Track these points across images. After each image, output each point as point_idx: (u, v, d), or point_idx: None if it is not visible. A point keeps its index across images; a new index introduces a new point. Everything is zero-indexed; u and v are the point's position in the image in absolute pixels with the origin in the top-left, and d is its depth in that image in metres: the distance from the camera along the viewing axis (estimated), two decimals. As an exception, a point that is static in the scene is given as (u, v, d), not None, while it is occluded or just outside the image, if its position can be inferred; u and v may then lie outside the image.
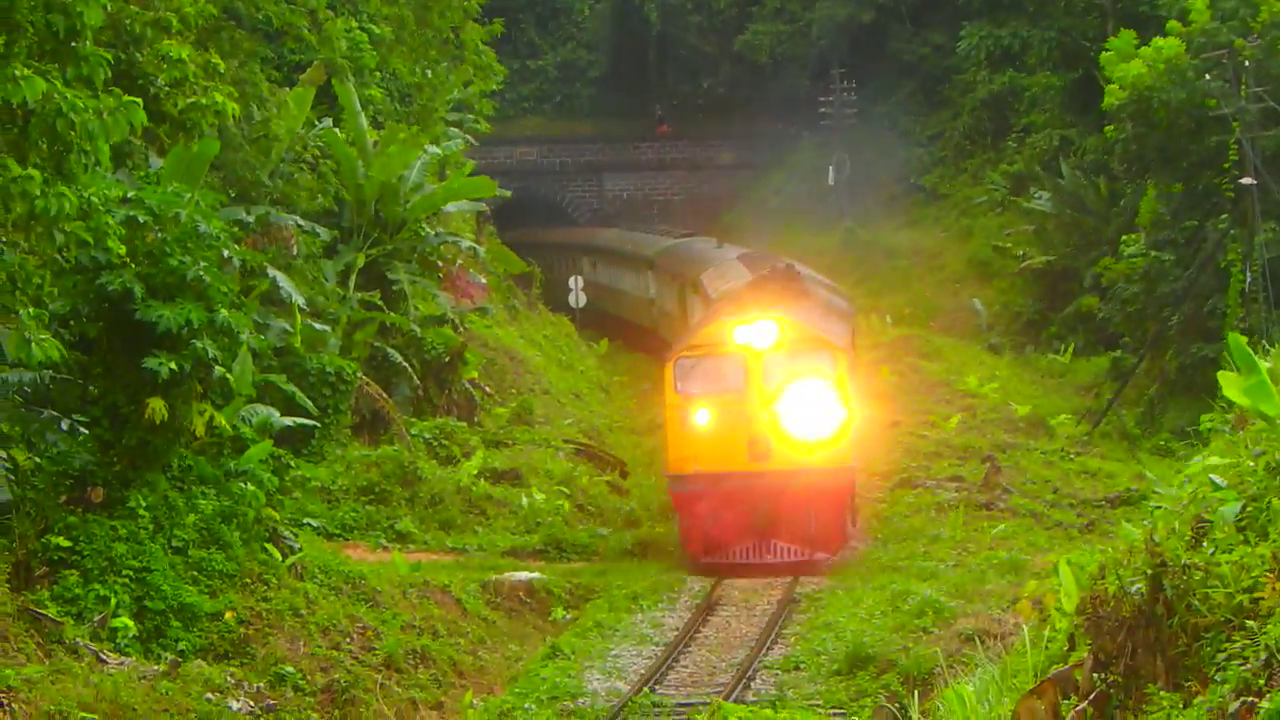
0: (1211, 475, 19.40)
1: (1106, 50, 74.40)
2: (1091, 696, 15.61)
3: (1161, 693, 13.43)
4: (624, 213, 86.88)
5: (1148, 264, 71.81)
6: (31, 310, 33.33)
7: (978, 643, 33.70)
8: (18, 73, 28.06)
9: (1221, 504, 18.49)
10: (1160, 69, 70.43)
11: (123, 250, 32.70)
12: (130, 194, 35.15)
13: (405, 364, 56.76)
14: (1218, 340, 51.64)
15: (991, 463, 59.03)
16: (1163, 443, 57.11)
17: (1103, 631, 15.91)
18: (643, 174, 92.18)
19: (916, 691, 31.25)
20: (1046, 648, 21.92)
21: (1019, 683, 20.87)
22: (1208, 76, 69.25)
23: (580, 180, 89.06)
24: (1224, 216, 68.98)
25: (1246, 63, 67.56)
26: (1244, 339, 15.22)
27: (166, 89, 36.03)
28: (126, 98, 30.86)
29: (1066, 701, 15.98)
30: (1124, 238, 73.61)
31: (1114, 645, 15.59)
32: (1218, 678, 13.54)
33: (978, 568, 45.62)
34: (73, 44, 29.41)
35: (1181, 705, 12.73)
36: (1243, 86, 67.02)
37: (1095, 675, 15.82)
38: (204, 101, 37.40)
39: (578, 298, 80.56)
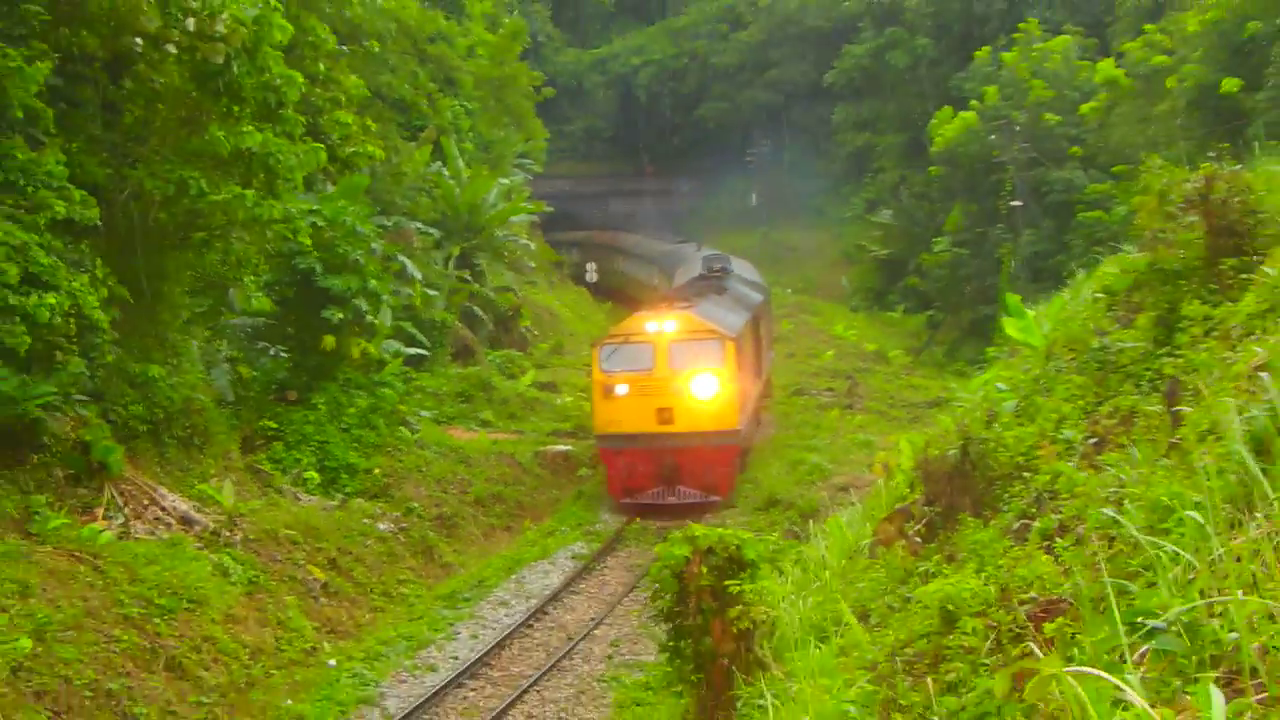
0: (997, 384, 19.68)
1: (933, 120, 74.71)
2: (923, 521, 15.85)
3: (969, 519, 13.69)
4: (620, 223, 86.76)
5: (952, 256, 72.44)
6: (251, 279, 33.90)
7: (849, 491, 36.55)
8: (245, 129, 28.80)
9: (1004, 400, 18.83)
10: (963, 131, 70.86)
11: (309, 242, 33.52)
12: (314, 207, 35.86)
13: (484, 316, 57.17)
14: (994, 304, 52.33)
15: (852, 380, 60.08)
16: (961, 368, 57.10)
17: (930, 480, 16.13)
18: (632, 198, 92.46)
19: (810, 521, 32.78)
20: (893, 492, 22.17)
21: (875, 514, 21.03)
22: (992, 136, 69.54)
23: (594, 202, 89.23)
24: (1000, 225, 69.31)
25: (1017, 127, 67.82)
26: (1018, 298, 15.45)
27: (338, 141, 36.26)
28: (313, 145, 31.42)
29: (907, 525, 16.18)
30: (935, 239, 73.86)
31: (938, 489, 15.81)
32: (1005, 509, 13.86)
33: (845, 445, 46.34)
34: (280, 110, 29.79)
35: (983, 525, 13.00)
36: (1015, 143, 67.32)
37: (926, 508, 16.03)
38: (361, 150, 37.66)
39: (591, 276, 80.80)
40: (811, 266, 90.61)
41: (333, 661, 26.82)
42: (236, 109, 29.04)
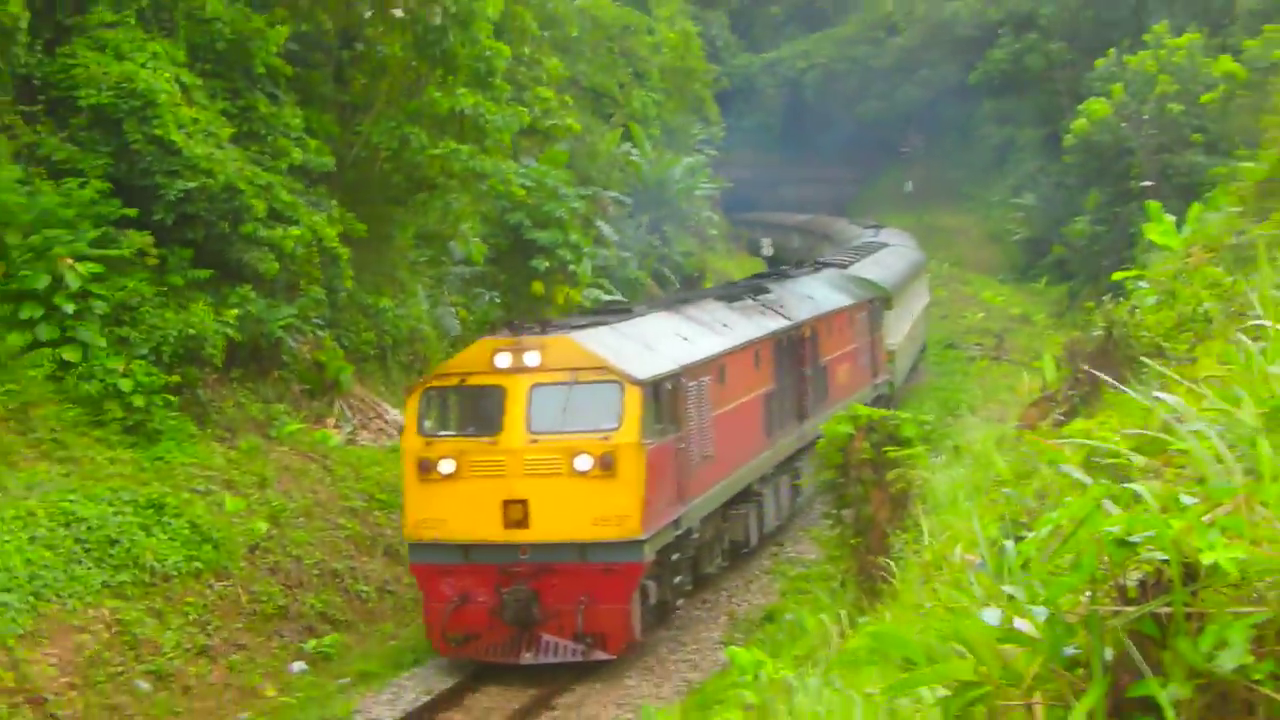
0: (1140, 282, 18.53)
1: (1076, 120, 72.92)
2: (1067, 405, 15.03)
3: (1109, 394, 12.79)
4: (791, 206, 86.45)
5: (1090, 232, 70.41)
6: (469, 229, 33.87)
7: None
8: (460, 91, 28.62)
9: (1147, 296, 17.79)
10: (1097, 122, 69.00)
11: (521, 192, 33.48)
12: (522, 170, 35.44)
13: (671, 276, 56.38)
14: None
15: (999, 336, 58.27)
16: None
17: (1075, 360, 15.26)
18: (800, 185, 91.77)
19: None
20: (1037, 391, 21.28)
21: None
22: (1123, 125, 67.65)
23: (767, 188, 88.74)
24: (1132, 204, 67.47)
25: (1145, 116, 65.95)
26: (1158, 205, 14.47)
27: (540, 114, 36.40)
28: (518, 108, 31.49)
29: (1051, 408, 15.35)
30: (1076, 219, 71.93)
31: (1079, 372, 15.01)
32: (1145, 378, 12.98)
33: (992, 388, 44.86)
34: (489, 78, 29.84)
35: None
36: (1143, 130, 65.58)
37: (1070, 392, 15.23)
38: (560, 124, 37.70)
39: (767, 251, 79.45)
40: (961, 245, 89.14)
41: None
42: (451, 77, 29.46)
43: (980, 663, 3.35)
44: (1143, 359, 13.34)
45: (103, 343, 21.35)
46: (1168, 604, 3.13)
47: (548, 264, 35.90)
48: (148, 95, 23.02)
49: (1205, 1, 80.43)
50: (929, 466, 15.04)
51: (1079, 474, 3.45)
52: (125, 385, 21.10)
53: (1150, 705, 3.06)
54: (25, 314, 21.01)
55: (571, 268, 37.06)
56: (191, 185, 23.05)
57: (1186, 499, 3.23)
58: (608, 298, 42.16)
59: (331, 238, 25.78)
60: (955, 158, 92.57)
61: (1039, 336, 61.75)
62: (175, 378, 22.04)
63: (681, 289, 57.11)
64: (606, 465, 18.35)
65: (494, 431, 19.01)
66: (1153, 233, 14.29)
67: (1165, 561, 3.15)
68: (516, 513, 18.64)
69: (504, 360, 19.17)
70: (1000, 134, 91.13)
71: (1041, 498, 9.44)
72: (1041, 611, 3.32)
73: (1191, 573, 3.11)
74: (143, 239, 22.39)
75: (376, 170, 28.90)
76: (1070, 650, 3.24)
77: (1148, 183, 65.40)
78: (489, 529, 18.79)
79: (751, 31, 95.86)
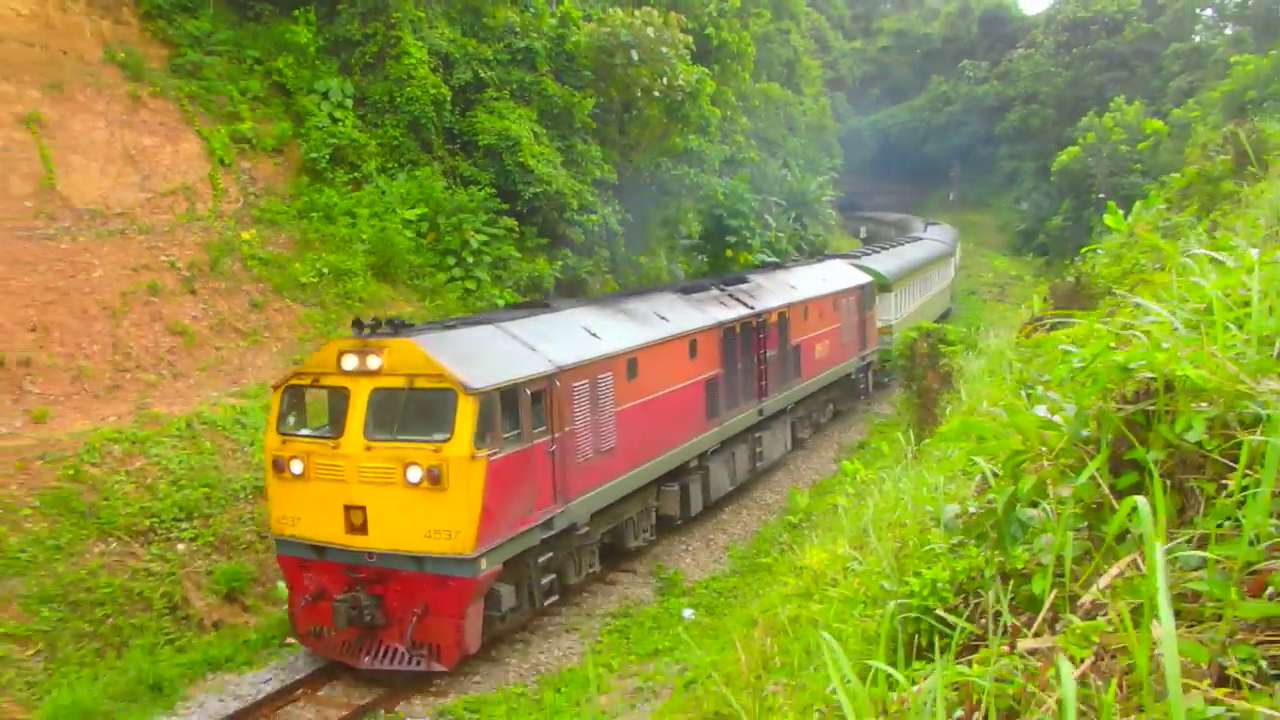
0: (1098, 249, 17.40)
1: (1059, 155, 68.36)
2: (1050, 325, 14.27)
3: (1079, 314, 12.09)
4: (879, 209, 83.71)
5: (1061, 225, 66.22)
6: (690, 218, 32.98)
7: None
8: (690, 137, 28.13)
9: (1103, 258, 16.74)
10: (1072, 159, 64.67)
11: (721, 197, 32.18)
12: (724, 184, 34.34)
13: (806, 249, 54.08)
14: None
15: (1001, 287, 56.32)
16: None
17: (1055, 297, 14.34)
18: (885, 195, 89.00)
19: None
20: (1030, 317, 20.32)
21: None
22: (1090, 159, 63.52)
23: (865, 197, 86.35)
24: (1089, 210, 63.66)
25: (1104, 154, 62.06)
26: (1113, 204, 13.82)
27: (735, 151, 35.64)
28: (721, 147, 30.64)
29: (1040, 325, 14.59)
30: (1053, 217, 67.84)
31: (1059, 303, 14.15)
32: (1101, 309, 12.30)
33: (998, 317, 42.50)
34: (707, 129, 29.35)
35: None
36: (1102, 162, 61.63)
37: (1049, 318, 14.46)
38: (746, 157, 36.84)
39: (862, 234, 76.42)
40: (981, 233, 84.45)
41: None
42: (685, 128, 28.92)
43: (1026, 439, 3.30)
44: (1101, 295, 12.86)
45: (488, 279, 21.62)
46: (1152, 404, 3.06)
47: (734, 239, 35.33)
48: (515, 139, 23.43)
49: (1145, 84, 75.82)
50: (963, 357, 14.72)
51: (1071, 348, 3.45)
52: (500, 303, 21.17)
53: (1136, 466, 3.02)
54: (447, 262, 21.44)
55: (749, 242, 36.55)
56: (537, 190, 23.38)
57: (1164, 343, 3.23)
58: (769, 259, 39.35)
59: (613, 222, 25.86)
60: (981, 179, 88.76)
61: (1027, 288, 59.14)
62: (521, 299, 21.94)
63: (810, 257, 55.64)
64: (435, 479, 11.03)
65: (337, 435, 11.72)
66: (1109, 220, 13.61)
67: (1152, 379, 3.09)
68: (357, 518, 11.58)
69: (350, 362, 11.70)
70: (1010, 165, 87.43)
71: (1038, 373, 9.29)
72: (1071, 408, 3.27)
73: (1169, 385, 3.04)
74: (510, 221, 22.63)
75: (641, 183, 28.89)
76: (1085, 433, 3.18)
77: (1102, 195, 61.82)
78: (333, 532, 11.74)
79: (860, 102, 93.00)
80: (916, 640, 3.74)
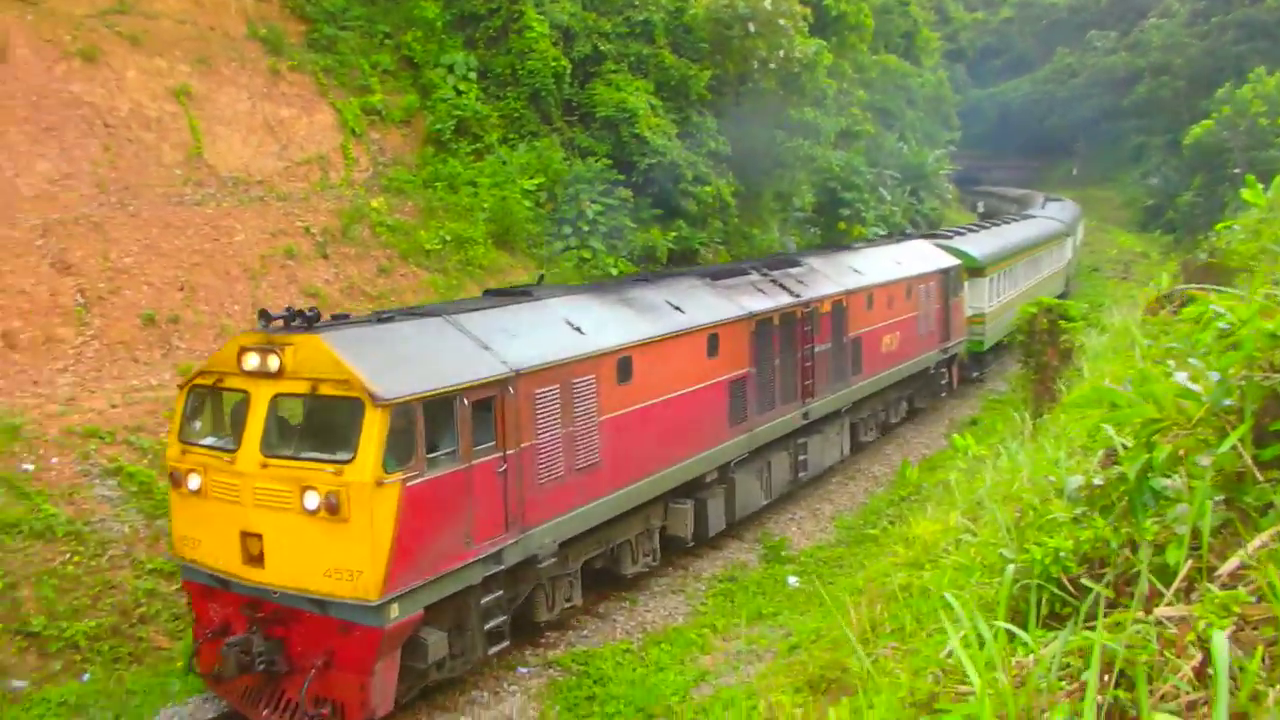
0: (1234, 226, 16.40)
1: (1193, 128, 65.01)
2: (1179, 302, 13.65)
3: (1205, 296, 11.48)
4: (999, 183, 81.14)
5: (1192, 202, 63.02)
6: (804, 189, 32.57)
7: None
8: (806, 109, 27.63)
9: (1239, 235, 15.82)
10: (1206, 131, 61.34)
11: (836, 169, 31.90)
12: (839, 156, 33.95)
13: (922, 223, 52.38)
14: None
15: (1126, 264, 53.49)
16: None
17: (1187, 274, 13.74)
18: (1004, 170, 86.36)
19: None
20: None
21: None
22: (1224, 134, 60.13)
23: (983, 172, 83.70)
24: (1223, 186, 60.33)
25: (1241, 128, 58.72)
26: (1252, 178, 13.01)
27: (851, 123, 35.11)
28: (837, 119, 30.17)
29: (1167, 303, 13.94)
30: (1184, 193, 64.63)
31: (1191, 279, 13.51)
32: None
33: (1121, 296, 40.62)
34: (823, 101, 28.95)
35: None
36: (1239, 136, 58.28)
37: (1178, 297, 13.83)
38: (862, 129, 36.28)
39: (980, 208, 74.19)
40: (1105, 209, 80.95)
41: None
42: (800, 100, 28.48)
43: (1162, 408, 3.17)
44: (1237, 273, 12.21)
45: (603, 248, 21.70)
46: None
47: (848, 212, 34.82)
48: (632, 110, 23.51)
49: (1289, 52, 71.27)
50: (1084, 334, 14.24)
51: (1221, 309, 3.30)
52: (614, 272, 21.35)
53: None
54: (564, 230, 21.62)
55: (863, 215, 35.95)
56: (653, 161, 23.45)
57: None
58: (881, 233, 37.75)
59: (726, 194, 25.67)
60: (1106, 154, 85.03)
61: (1153, 265, 56.61)
62: (636, 269, 22.12)
63: (926, 230, 54.24)
64: (333, 508, 8.57)
65: (234, 448, 9.26)
66: (1247, 195, 12.89)
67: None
68: (254, 547, 9.11)
69: (251, 361, 9.23)
70: (1138, 139, 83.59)
71: (1166, 350, 8.91)
72: (1215, 375, 3.14)
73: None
74: (626, 192, 22.61)
75: (755, 155, 28.64)
76: (1227, 401, 3.06)
77: (1239, 170, 58.49)
78: (231, 561, 9.28)
79: (980, 74, 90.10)
80: (1038, 610, 3.69)
